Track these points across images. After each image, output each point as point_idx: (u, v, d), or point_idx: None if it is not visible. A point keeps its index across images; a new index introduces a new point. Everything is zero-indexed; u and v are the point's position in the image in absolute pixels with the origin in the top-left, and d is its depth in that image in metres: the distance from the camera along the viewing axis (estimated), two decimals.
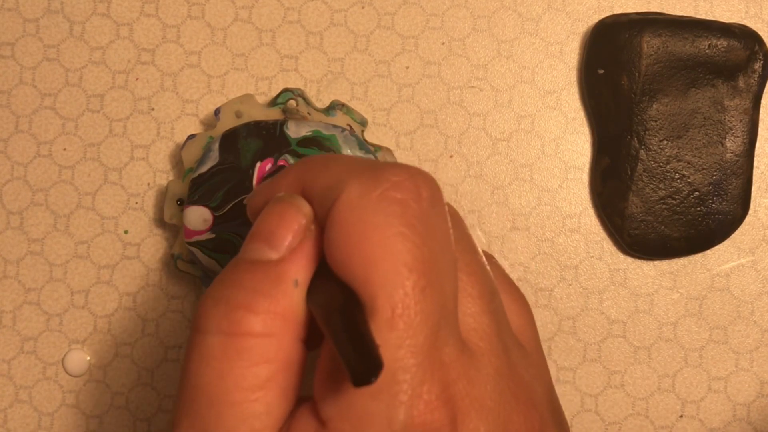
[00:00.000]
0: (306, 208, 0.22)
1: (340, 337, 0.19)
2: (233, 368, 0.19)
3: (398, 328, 0.19)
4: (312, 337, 0.22)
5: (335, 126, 0.35)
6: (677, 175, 0.37)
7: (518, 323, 0.25)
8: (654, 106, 0.36)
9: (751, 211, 0.38)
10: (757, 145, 0.38)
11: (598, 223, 0.38)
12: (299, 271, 0.21)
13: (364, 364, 0.18)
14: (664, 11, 0.39)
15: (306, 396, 0.21)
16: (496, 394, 0.21)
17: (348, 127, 0.36)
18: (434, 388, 0.19)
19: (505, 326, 0.23)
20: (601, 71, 0.37)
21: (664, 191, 0.37)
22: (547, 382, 0.25)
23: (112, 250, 0.38)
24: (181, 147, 0.37)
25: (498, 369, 0.21)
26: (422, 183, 0.21)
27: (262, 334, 0.20)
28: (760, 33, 0.38)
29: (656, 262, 0.38)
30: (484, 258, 0.24)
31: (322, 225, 0.21)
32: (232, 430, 0.19)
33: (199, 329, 0.20)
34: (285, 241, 0.21)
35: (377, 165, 0.21)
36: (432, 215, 0.21)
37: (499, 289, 0.24)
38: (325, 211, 0.21)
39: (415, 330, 0.19)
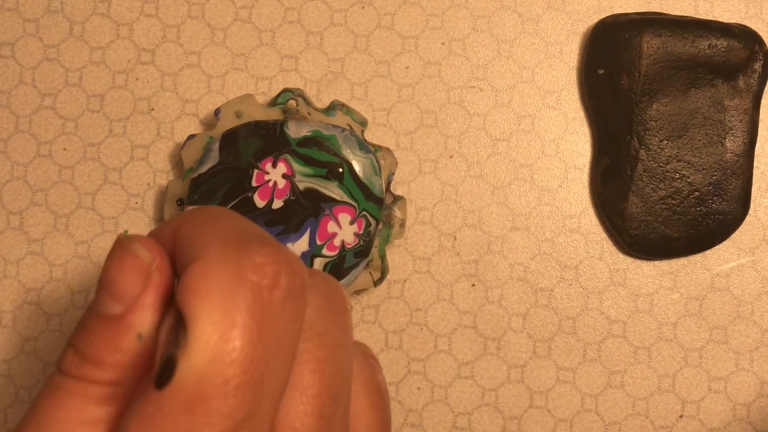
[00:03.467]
0: (144, 254, 0.21)
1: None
2: (73, 403, 0.20)
3: (194, 413, 0.18)
4: None
5: (335, 126, 0.35)
6: (677, 175, 0.37)
7: None
8: (654, 106, 0.36)
9: (751, 211, 0.38)
10: (757, 145, 0.38)
11: (598, 223, 0.38)
12: (143, 324, 0.20)
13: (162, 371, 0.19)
14: (664, 11, 0.39)
15: None
16: None
17: (348, 127, 0.36)
18: None
19: None
20: (601, 71, 0.37)
21: (664, 191, 0.37)
22: None
23: None
24: (181, 147, 0.37)
25: None
26: (284, 272, 0.19)
27: (108, 383, 0.21)
28: (760, 33, 0.38)
29: (656, 262, 0.38)
30: (358, 358, 0.23)
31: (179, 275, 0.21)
32: None
33: (59, 368, 0.21)
34: (126, 294, 0.21)
35: (251, 239, 0.20)
36: (282, 310, 0.19)
37: (359, 393, 0.23)
38: (181, 270, 0.20)
39: (209, 421, 0.18)
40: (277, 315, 0.19)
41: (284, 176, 0.34)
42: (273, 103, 0.36)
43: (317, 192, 0.34)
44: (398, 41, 0.39)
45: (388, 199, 0.36)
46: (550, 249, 0.38)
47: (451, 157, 0.38)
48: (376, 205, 0.35)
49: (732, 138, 0.37)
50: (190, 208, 0.35)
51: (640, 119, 0.36)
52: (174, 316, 0.19)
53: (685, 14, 0.38)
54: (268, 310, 0.19)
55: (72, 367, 0.21)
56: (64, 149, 0.38)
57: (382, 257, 0.36)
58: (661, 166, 0.37)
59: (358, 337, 0.38)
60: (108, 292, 0.21)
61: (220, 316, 0.18)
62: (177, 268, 0.21)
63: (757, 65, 0.37)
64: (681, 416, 0.37)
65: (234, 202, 0.34)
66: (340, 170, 0.34)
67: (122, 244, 0.21)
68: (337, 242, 0.34)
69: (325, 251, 0.34)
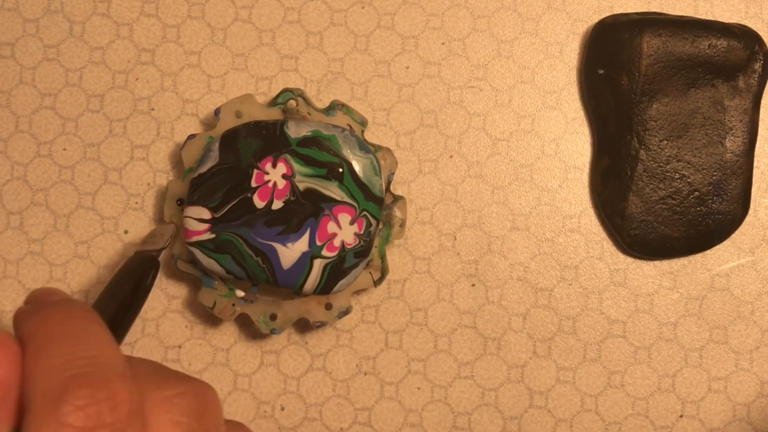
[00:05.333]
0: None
1: None
2: None
3: None
4: None
5: (335, 126, 0.35)
6: (677, 175, 0.37)
7: None
8: (654, 106, 0.36)
9: (751, 211, 0.38)
10: (757, 145, 0.38)
11: (598, 223, 0.38)
12: None
13: None
14: (664, 11, 0.39)
15: None
16: None
17: (348, 127, 0.36)
18: None
19: None
20: (601, 71, 0.37)
21: (664, 191, 0.37)
22: None
23: (112, 250, 0.38)
24: (181, 147, 0.37)
25: None
26: (106, 408, 0.20)
27: None
28: (760, 33, 0.38)
29: (656, 262, 0.38)
30: None
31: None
32: None
33: None
34: None
35: (72, 380, 0.20)
36: None
37: None
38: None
39: None
40: None
41: (284, 176, 0.34)
42: (273, 103, 0.36)
43: (317, 192, 0.34)
44: (398, 41, 0.39)
45: (388, 199, 0.36)
46: (550, 249, 0.38)
47: (451, 157, 0.38)
48: (376, 205, 0.35)
49: (732, 138, 0.37)
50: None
51: (640, 119, 0.36)
52: None
53: (685, 14, 0.38)
54: None
55: None
56: (64, 149, 0.38)
57: (382, 257, 0.36)
58: (661, 166, 0.37)
59: (359, 336, 0.38)
60: None
61: None
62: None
63: (757, 65, 0.37)
64: (681, 416, 0.37)
65: (234, 203, 0.34)
66: (340, 170, 0.34)
67: None
68: (337, 242, 0.34)
69: (325, 252, 0.34)
